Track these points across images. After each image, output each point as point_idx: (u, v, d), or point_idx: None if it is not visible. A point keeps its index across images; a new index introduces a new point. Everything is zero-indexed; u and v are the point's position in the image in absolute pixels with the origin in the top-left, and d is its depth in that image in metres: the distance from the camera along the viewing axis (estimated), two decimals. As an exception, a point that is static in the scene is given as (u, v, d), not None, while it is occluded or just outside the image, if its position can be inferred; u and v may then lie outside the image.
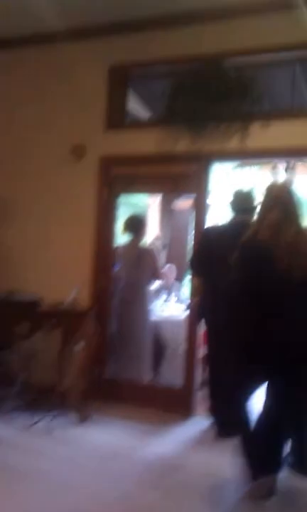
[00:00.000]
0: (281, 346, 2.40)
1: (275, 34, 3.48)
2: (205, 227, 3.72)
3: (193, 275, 3.70)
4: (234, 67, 3.62)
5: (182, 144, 3.74)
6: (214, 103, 3.55)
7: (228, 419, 2.89)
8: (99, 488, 2.62)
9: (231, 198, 3.49)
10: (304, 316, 2.41)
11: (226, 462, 2.81)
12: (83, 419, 3.53)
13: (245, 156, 3.71)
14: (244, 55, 3.61)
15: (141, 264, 4.29)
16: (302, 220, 2.52)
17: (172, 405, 3.73)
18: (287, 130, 3.48)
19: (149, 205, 5.76)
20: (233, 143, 3.60)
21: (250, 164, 4.41)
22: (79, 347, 3.70)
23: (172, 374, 4.18)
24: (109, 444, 3.21)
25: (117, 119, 4.07)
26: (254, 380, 2.61)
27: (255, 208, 3.15)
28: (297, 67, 3.60)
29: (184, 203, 5.27)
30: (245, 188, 3.54)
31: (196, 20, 3.64)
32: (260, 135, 3.54)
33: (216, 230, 3.53)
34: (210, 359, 3.56)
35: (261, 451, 2.53)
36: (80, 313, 3.73)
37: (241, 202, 3.42)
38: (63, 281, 3.97)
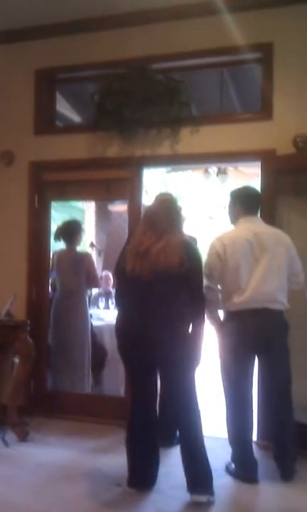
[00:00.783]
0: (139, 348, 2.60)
1: (201, 39, 3.46)
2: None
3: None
4: (161, 70, 3.57)
5: (113, 149, 3.68)
6: (143, 107, 3.49)
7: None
8: (42, 507, 2.56)
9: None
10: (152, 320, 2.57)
11: (172, 474, 2.82)
12: (22, 436, 3.43)
13: (176, 161, 3.67)
14: (170, 60, 3.56)
15: (78, 270, 4.21)
16: (170, 231, 2.59)
17: (116, 415, 3.65)
18: (217, 135, 3.47)
19: (87, 207, 5.67)
20: (164, 148, 3.57)
21: (182, 169, 4.41)
22: (16, 360, 3.60)
23: (114, 382, 4.14)
24: (51, 461, 3.12)
25: (46, 123, 3.95)
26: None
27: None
28: (225, 72, 3.60)
29: (122, 206, 5.21)
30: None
31: (122, 23, 3.56)
32: (190, 140, 3.52)
33: None
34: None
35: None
36: (16, 324, 3.61)
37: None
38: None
